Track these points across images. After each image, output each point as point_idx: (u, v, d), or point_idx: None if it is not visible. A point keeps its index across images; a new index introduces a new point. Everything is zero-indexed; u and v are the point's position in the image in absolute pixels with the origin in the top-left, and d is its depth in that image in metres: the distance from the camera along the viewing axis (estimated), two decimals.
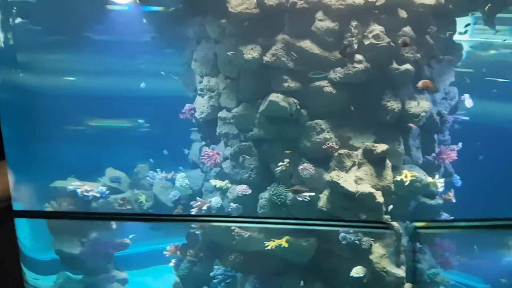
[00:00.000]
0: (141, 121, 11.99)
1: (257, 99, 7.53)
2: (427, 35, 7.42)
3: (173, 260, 9.33)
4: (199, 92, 8.50)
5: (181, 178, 8.70)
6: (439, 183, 7.39)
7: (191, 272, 8.53)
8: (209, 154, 8.12)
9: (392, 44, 7.00)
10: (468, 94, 8.96)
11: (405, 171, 6.95)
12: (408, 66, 7.16)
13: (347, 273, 7.26)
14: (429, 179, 7.45)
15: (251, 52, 7.19)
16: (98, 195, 9.04)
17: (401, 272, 6.08)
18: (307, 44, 7.06)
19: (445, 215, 8.37)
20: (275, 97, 7.15)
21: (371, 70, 7.06)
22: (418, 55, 7.31)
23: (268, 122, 7.41)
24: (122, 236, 9.66)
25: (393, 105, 7.23)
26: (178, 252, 9.31)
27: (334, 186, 6.47)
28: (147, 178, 9.40)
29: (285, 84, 7.14)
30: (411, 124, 7.37)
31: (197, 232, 8.36)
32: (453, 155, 8.07)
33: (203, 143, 8.83)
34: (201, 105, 8.41)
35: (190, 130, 9.45)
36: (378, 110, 7.29)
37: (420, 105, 7.38)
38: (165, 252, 9.42)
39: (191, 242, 8.95)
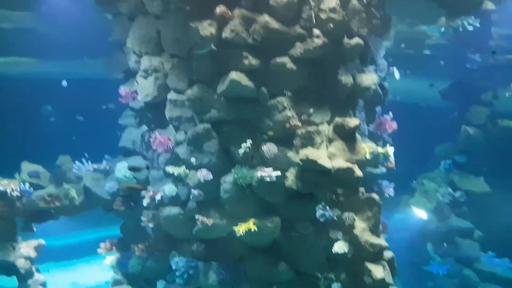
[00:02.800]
0: (49, 107, 10.70)
1: (214, 78, 7.11)
2: (372, 8, 7.57)
3: (110, 258, 8.65)
4: (141, 73, 7.75)
5: (123, 168, 7.95)
6: (390, 152, 7.71)
7: (143, 268, 7.94)
8: (160, 140, 7.50)
9: (346, 17, 7.02)
10: (395, 66, 9.45)
11: (363, 145, 7.12)
12: (358, 40, 7.27)
13: (311, 249, 7.39)
14: (380, 149, 7.74)
15: (207, 29, 6.70)
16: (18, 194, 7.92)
17: (383, 241, 6.29)
18: (266, 19, 6.77)
19: (385, 183, 8.87)
20: (236, 76, 6.80)
21: (327, 45, 7.04)
22: (366, 30, 7.46)
23: (228, 103, 7.05)
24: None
25: (346, 79, 7.31)
26: (114, 249, 8.64)
27: (309, 164, 6.40)
28: (73, 170, 8.43)
29: (245, 62, 6.81)
30: None
31: (150, 226, 7.74)
32: (394, 125, 8.48)
33: (146, 128, 8.13)
34: (145, 88, 7.70)
35: (124, 115, 8.67)
36: (333, 85, 7.32)
37: (369, 78, 7.58)
38: (99, 250, 8.69)
39: (137, 237, 8.33)
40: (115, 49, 8.60)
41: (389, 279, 6.20)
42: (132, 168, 7.83)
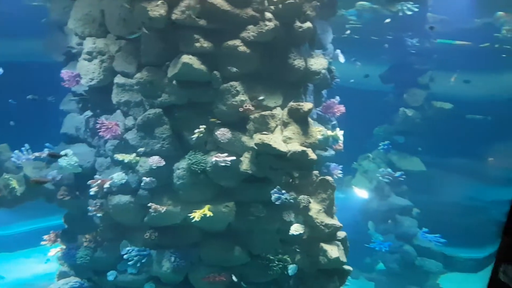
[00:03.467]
0: None
1: (164, 62, 6.89)
2: None
3: (55, 250, 8.29)
4: (84, 56, 7.35)
5: (68, 156, 7.55)
6: (340, 135, 7.85)
7: (92, 259, 7.65)
8: (107, 126, 7.19)
9: (297, 0, 7.00)
10: (340, 49, 9.58)
11: (315, 128, 7.19)
12: (309, 24, 7.30)
13: (264, 232, 7.44)
14: (329, 132, 7.87)
15: (157, 9, 6.46)
16: None
17: (337, 222, 6.42)
18: (218, 0, 6.62)
19: (332, 165, 9.06)
20: (188, 59, 6.61)
21: (279, 29, 7.01)
22: (315, 13, 7.50)
23: (179, 87, 6.86)
24: None
25: (299, 63, 7.33)
26: (59, 240, 8.29)
27: (264, 148, 6.39)
28: (12, 159, 7.93)
29: (197, 44, 6.64)
30: None
31: (98, 215, 7.45)
32: (342, 109, 8.64)
33: (90, 114, 7.76)
34: (89, 71, 7.32)
35: (66, 100, 8.22)
36: (284, 69, 7.32)
37: (319, 62, 7.65)
38: (43, 243, 8.29)
39: (84, 227, 8.01)
40: (54, 30, 8.11)
41: (343, 258, 6.37)
42: (51, 155, 7.50)
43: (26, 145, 7.88)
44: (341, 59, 9.57)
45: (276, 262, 7.71)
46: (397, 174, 13.45)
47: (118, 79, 7.20)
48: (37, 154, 7.93)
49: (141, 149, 7.15)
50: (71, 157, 7.49)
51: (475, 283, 11.89)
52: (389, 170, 13.68)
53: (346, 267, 6.47)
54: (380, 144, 14.48)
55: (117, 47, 7.19)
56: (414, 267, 12.89)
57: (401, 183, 13.68)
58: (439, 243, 12.72)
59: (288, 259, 7.81)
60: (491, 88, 11.63)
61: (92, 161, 7.71)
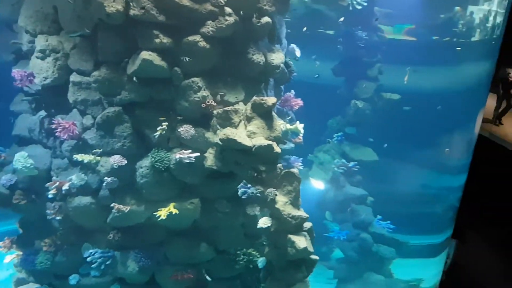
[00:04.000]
0: None
1: (123, 59, 6.74)
2: None
3: (10, 256, 7.97)
4: (37, 54, 7.08)
5: (22, 158, 7.26)
6: (300, 128, 7.97)
7: (53, 263, 7.41)
8: (64, 126, 6.96)
9: None
10: (295, 44, 9.70)
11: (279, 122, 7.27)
12: (267, 18, 7.35)
13: (230, 228, 7.49)
14: (288, 126, 7.98)
15: (114, 5, 6.31)
16: None
17: (303, 213, 6.54)
18: None
19: (292, 158, 9.19)
20: (147, 55, 6.51)
21: (239, 23, 7.02)
22: (274, 8, 7.56)
23: (139, 84, 6.75)
24: None
25: (258, 58, 7.37)
26: (14, 246, 7.99)
27: (229, 143, 6.40)
28: None
29: (157, 40, 6.54)
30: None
31: (57, 218, 7.22)
32: (300, 102, 8.76)
33: (45, 114, 7.48)
34: (42, 70, 7.06)
35: (17, 100, 7.88)
36: (244, 64, 7.35)
37: (278, 57, 7.74)
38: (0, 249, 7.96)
39: (41, 231, 7.74)
40: (2, 28, 7.74)
41: (310, 248, 6.50)
42: None
43: None
44: (297, 53, 9.70)
45: (242, 257, 7.78)
46: (351, 164, 13.76)
47: (74, 77, 6.98)
48: None
49: (97, 150, 6.98)
50: (26, 159, 7.20)
51: (429, 268, 12.40)
52: (343, 161, 14.01)
53: (313, 256, 6.61)
54: (334, 136, 14.78)
55: (72, 44, 6.97)
56: (371, 253, 13.29)
57: (355, 173, 14.04)
58: (390, 229, 13.21)
59: (254, 252, 7.91)
60: (445, 80, 12.11)
61: (49, 163, 7.45)
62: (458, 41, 12.30)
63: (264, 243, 8.20)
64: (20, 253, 7.99)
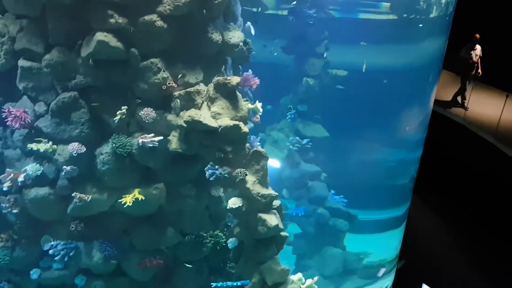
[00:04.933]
0: None
1: (76, 41, 6.42)
2: None
3: None
4: None
5: None
6: (259, 107, 7.94)
7: (12, 259, 7.06)
8: (15, 114, 6.57)
9: None
10: (250, 22, 9.60)
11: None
12: None
13: (194, 211, 7.43)
14: (250, 105, 7.93)
15: None
16: None
17: (272, 191, 6.56)
18: None
19: (252, 137, 9.17)
20: (103, 36, 6.23)
21: (195, 2, 6.83)
22: None
23: (95, 67, 6.46)
24: None
25: (216, 37, 7.23)
26: None
27: (194, 125, 6.29)
28: None
29: (111, 21, 6.26)
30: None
31: (14, 211, 6.85)
32: (258, 81, 8.70)
33: None
34: None
35: None
36: (202, 44, 7.19)
37: (236, 35, 7.63)
38: None
39: None
40: None
41: (281, 225, 6.55)
42: None
43: None
44: (252, 31, 9.61)
45: (209, 239, 7.74)
46: (304, 141, 13.93)
47: (23, 63, 6.57)
48: None
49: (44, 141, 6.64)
50: None
51: (388, 241, 12.78)
52: (297, 138, 14.15)
53: (283, 233, 6.66)
54: (287, 114, 14.87)
55: (18, 27, 6.54)
56: (328, 228, 13.60)
57: (308, 150, 14.22)
58: (344, 203, 13.56)
59: (220, 234, 7.89)
60: (400, 56, 12.32)
61: (0, 154, 7.03)
62: (420, 18, 12.54)
63: (229, 223, 8.21)
64: None
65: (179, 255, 7.67)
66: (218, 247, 7.85)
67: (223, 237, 7.90)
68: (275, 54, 12.68)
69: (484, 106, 16.84)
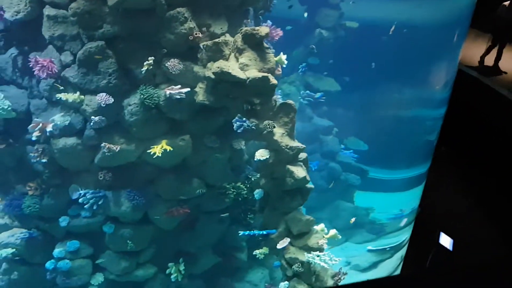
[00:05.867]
0: None
1: None
2: None
3: None
4: None
5: None
6: (284, 59, 7.86)
7: (41, 207, 7.22)
8: (42, 64, 6.54)
9: None
10: None
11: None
12: None
13: (218, 162, 7.51)
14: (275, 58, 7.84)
15: None
16: None
17: (299, 144, 6.61)
18: None
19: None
20: None
21: None
22: None
23: (122, 16, 6.37)
24: None
25: None
26: None
27: (223, 76, 6.25)
28: None
29: None
30: None
31: (43, 161, 6.94)
32: (280, 32, 8.58)
33: (17, 51, 6.97)
34: (13, 3, 6.49)
35: None
36: None
37: None
38: None
39: (21, 176, 7.46)
40: None
41: (308, 177, 6.64)
42: None
43: None
44: None
45: (232, 190, 7.87)
46: (318, 95, 13.86)
47: (49, 11, 6.47)
48: None
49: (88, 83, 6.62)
50: (3, 101, 6.77)
51: (404, 200, 12.81)
52: (308, 92, 14.07)
53: (309, 185, 6.77)
54: (299, 68, 14.72)
55: None
56: (339, 182, 13.77)
57: (321, 104, 14.18)
58: (354, 158, 13.63)
59: (242, 186, 8.01)
60: (431, 10, 11.97)
61: (26, 104, 7.04)
62: None
63: (249, 176, 8.33)
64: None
65: (202, 205, 7.81)
66: (240, 199, 7.99)
67: (245, 189, 8.03)
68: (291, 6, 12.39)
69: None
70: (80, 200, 7.00)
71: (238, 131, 6.56)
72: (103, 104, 6.56)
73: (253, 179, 8.14)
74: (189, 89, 6.67)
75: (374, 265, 10.14)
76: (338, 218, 13.41)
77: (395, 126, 12.63)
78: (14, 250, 7.22)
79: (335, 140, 14.11)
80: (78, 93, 6.65)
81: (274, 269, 8.85)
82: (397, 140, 12.39)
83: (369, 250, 10.76)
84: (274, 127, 6.35)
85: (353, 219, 11.90)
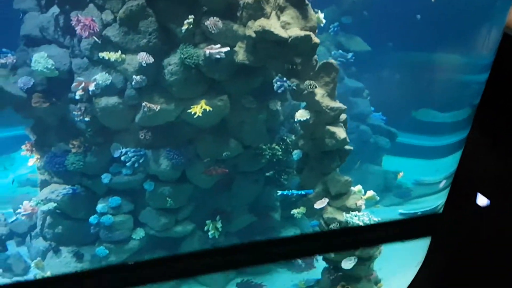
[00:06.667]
0: None
1: None
2: None
3: (33, 160, 7.94)
4: None
5: (42, 59, 6.92)
6: (322, 18, 7.70)
7: (85, 164, 7.42)
8: (84, 22, 6.58)
9: None
10: None
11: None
12: None
13: (254, 123, 7.54)
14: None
15: None
16: None
17: (341, 104, 6.58)
18: None
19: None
20: None
21: None
22: None
23: None
24: None
25: None
26: (34, 150, 7.93)
27: (264, 35, 6.20)
28: None
29: None
30: None
31: (86, 119, 7.08)
32: None
33: (58, 10, 7.01)
34: None
35: None
36: None
37: None
38: (23, 153, 7.91)
39: (62, 134, 7.64)
40: None
41: (347, 138, 6.64)
42: None
43: None
44: None
45: (268, 151, 7.92)
46: (349, 55, 13.61)
47: None
48: (3, 60, 7.21)
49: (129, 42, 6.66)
50: (46, 60, 6.87)
51: (425, 169, 12.59)
52: (341, 52, 13.81)
53: (348, 147, 6.77)
54: (330, 27, 14.42)
55: None
56: (369, 145, 13.66)
57: (351, 65, 13.94)
58: (383, 120, 13.45)
59: (277, 147, 8.06)
60: None
61: (68, 63, 7.14)
62: None
63: (284, 137, 8.37)
64: (38, 156, 7.95)
65: (239, 166, 7.91)
66: (275, 160, 8.05)
67: (280, 150, 8.08)
68: None
69: None
70: (122, 158, 7.15)
71: (279, 91, 6.55)
72: (144, 63, 6.60)
73: (288, 141, 8.17)
74: (228, 48, 6.64)
75: None
76: (366, 182, 13.41)
77: (439, 89, 12.35)
78: (56, 205, 7.46)
79: (365, 102, 13.93)
80: (119, 52, 6.69)
81: (306, 229, 9.01)
82: (440, 104, 12.12)
83: (401, 214, 10.76)
84: (316, 87, 6.31)
85: (401, 174, 11.81)
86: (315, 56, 6.58)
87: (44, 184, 8.10)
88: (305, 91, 6.34)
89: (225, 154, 7.37)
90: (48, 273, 7.37)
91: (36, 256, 7.76)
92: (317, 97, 6.39)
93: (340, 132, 6.46)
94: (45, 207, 7.35)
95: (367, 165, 13.72)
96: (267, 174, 8.39)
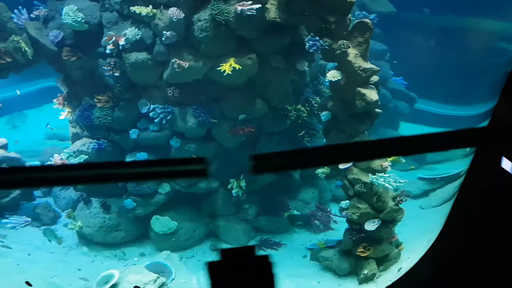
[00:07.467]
0: None
1: None
2: None
3: (64, 113, 8.04)
4: None
5: (72, 12, 6.90)
6: None
7: (113, 118, 7.50)
8: None
9: None
10: None
11: None
12: None
13: (281, 83, 7.49)
14: None
15: None
16: None
17: (373, 65, 6.49)
18: None
19: None
20: None
21: None
22: None
23: None
24: None
25: None
26: (66, 103, 8.02)
27: None
28: (13, 20, 7.15)
29: None
30: None
31: (116, 74, 7.10)
32: None
33: None
34: None
35: None
36: None
37: None
38: (56, 106, 8.02)
39: (90, 88, 7.69)
40: None
41: (379, 101, 6.58)
42: None
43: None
44: None
45: (293, 112, 7.92)
46: (372, 16, 13.31)
47: None
48: (36, 12, 7.20)
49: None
50: (76, 14, 6.85)
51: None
52: (364, 13, 13.52)
53: (377, 110, 6.72)
54: None
55: None
56: (388, 109, 13.55)
57: (375, 26, 13.63)
58: (404, 84, 13.30)
59: (302, 108, 8.04)
60: None
61: (98, 17, 7.11)
62: None
63: (310, 98, 8.33)
64: (69, 109, 8.04)
65: (263, 126, 7.92)
66: (299, 121, 8.06)
67: (305, 111, 8.07)
68: None
69: None
70: (150, 114, 7.21)
71: (311, 50, 6.47)
72: (175, 18, 6.54)
73: (313, 102, 8.14)
74: (260, 5, 6.54)
75: (425, 193, 10.18)
76: None
77: (477, 55, 12.10)
78: (87, 157, 7.60)
79: (386, 65, 13.73)
80: (150, 6, 6.64)
81: (324, 190, 9.11)
82: (477, 71, 11.87)
83: (420, 178, 10.78)
84: (349, 47, 6.22)
85: None
86: (349, 15, 6.47)
87: (75, 137, 8.24)
88: (338, 51, 6.26)
89: (241, 117, 7.37)
90: (79, 223, 7.57)
91: (66, 207, 7.97)
92: (350, 58, 6.32)
93: (371, 94, 6.40)
94: (76, 160, 7.48)
95: (384, 129, 13.66)
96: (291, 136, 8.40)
